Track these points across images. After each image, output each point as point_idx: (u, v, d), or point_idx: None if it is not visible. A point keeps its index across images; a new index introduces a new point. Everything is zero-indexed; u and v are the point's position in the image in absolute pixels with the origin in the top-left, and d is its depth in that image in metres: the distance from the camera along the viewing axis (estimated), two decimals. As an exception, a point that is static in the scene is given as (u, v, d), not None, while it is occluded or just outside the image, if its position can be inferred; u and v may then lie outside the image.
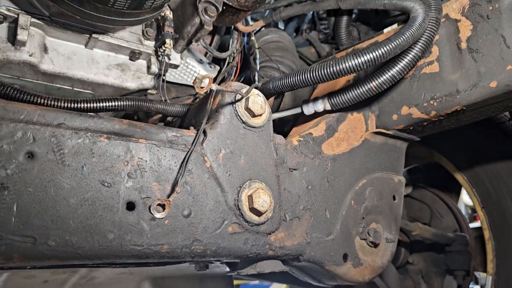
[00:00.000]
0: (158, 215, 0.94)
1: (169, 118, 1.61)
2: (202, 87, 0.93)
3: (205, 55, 1.89)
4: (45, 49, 1.24)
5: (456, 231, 2.34)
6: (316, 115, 1.44)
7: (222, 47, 1.95)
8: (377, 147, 1.47)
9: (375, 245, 1.38)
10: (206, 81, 0.93)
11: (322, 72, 1.17)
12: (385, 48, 1.13)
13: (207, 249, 1.01)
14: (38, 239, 0.82)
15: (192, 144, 1.04)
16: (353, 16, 2.01)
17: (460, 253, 2.23)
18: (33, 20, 1.18)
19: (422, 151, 2.28)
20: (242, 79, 1.94)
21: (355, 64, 1.14)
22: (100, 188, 0.90)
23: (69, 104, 1.12)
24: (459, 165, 2.12)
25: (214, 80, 1.73)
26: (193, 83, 0.94)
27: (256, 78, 1.71)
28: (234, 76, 1.83)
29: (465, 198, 6.13)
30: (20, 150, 0.83)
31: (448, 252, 2.27)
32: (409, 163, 2.46)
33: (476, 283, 5.90)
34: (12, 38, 1.17)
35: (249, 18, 1.81)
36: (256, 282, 7.50)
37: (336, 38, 1.94)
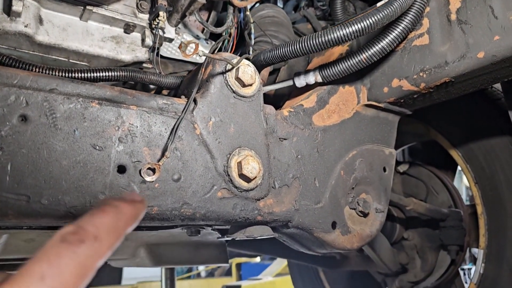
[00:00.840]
0: (148, 178, 0.98)
1: (164, 92, 1.64)
2: (188, 54, 0.95)
3: (202, 31, 1.90)
4: (40, 20, 1.27)
5: (451, 207, 2.38)
6: (308, 88, 1.46)
7: (220, 24, 1.96)
8: (368, 120, 1.49)
9: (364, 214, 1.41)
10: (193, 46, 0.95)
11: (312, 42, 1.19)
12: (373, 19, 1.15)
13: (196, 212, 1.05)
14: (32, 198, 0.85)
15: (183, 111, 1.07)
16: (350, -9, 2.01)
17: (454, 228, 2.27)
18: (28, -9, 1.21)
19: (419, 129, 2.30)
20: (239, 54, 1.95)
21: (344, 34, 1.16)
22: (92, 151, 0.93)
23: (64, 74, 1.15)
24: (454, 142, 2.14)
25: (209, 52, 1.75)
26: (178, 47, 0.97)
27: (251, 52, 1.72)
28: (230, 51, 1.84)
29: (466, 180, 6.16)
30: (13, 113, 0.87)
31: (442, 227, 2.31)
32: (407, 141, 2.49)
33: (474, 263, 5.96)
34: (8, 9, 1.19)
35: (244, -7, 1.82)
36: (257, 260, 7.62)
37: (332, 14, 1.95)
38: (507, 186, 1.91)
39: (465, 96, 1.47)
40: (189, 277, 8.89)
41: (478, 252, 2.06)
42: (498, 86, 1.95)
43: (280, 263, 5.62)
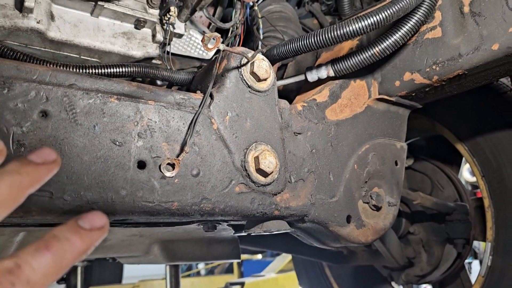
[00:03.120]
0: (168, 174, 0.97)
1: (174, 88, 1.63)
2: (210, 47, 0.95)
3: (208, 27, 1.90)
4: (52, 16, 1.25)
5: (457, 201, 2.38)
6: (319, 82, 1.46)
7: (225, 20, 1.95)
8: (379, 114, 1.49)
9: (378, 208, 1.41)
10: (215, 39, 0.95)
11: (326, 36, 1.18)
12: (389, 11, 1.15)
13: (215, 207, 1.04)
14: (54, 194, 0.85)
15: (200, 106, 1.06)
16: (356, -14, 2.01)
17: (460, 221, 2.27)
18: (40, -13, 1.20)
19: (425, 124, 2.30)
20: (246, 50, 1.95)
21: (359, 27, 1.16)
22: (112, 146, 0.93)
23: (77, 70, 1.14)
24: (460, 136, 2.14)
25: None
26: (201, 41, 0.96)
27: (260, 47, 1.72)
28: (238, 47, 1.84)
29: (465, 175, 6.19)
30: (34, 109, 0.86)
31: (448, 221, 2.31)
32: (411, 136, 2.49)
33: (475, 257, 6.00)
34: (20, 5, 1.18)
35: (252, -12, 1.81)
36: (259, 257, 7.63)
37: (338, 9, 1.94)
38: (514, 179, 1.92)
39: (471, 90, 1.47)
40: (189, 275, 8.89)
41: (486, 245, 2.07)
42: (504, 79, 1.96)
43: (283, 260, 5.63)
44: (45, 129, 0.86)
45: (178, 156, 1.00)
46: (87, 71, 1.14)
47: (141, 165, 0.96)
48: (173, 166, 0.98)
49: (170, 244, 1.59)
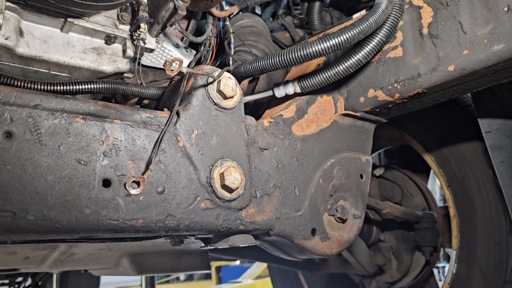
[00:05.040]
0: (133, 192, 1.00)
1: (145, 102, 1.65)
2: (172, 70, 0.97)
3: (182, 39, 1.92)
4: (20, 32, 1.26)
5: (425, 210, 2.46)
6: (287, 97, 1.50)
7: (199, 32, 1.98)
8: (345, 129, 1.54)
9: (343, 220, 1.46)
10: (177, 63, 0.98)
11: (291, 55, 1.23)
12: (349, 34, 1.20)
13: (180, 223, 1.07)
14: (17, 214, 0.86)
15: (166, 124, 1.09)
16: (327, 1, 2.06)
17: (428, 230, 2.34)
18: (8, 4, 1.20)
19: (394, 134, 2.37)
20: (218, 63, 1.98)
21: (321, 48, 1.20)
22: (77, 166, 0.95)
23: (45, 87, 1.15)
24: (427, 147, 2.21)
25: (190, 64, 1.77)
26: (163, 65, 0.99)
27: (231, 62, 1.75)
28: (210, 61, 1.87)
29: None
30: (-2, 130, 0.87)
31: (417, 229, 2.38)
32: (382, 145, 2.56)
33: (448, 261, 6.14)
34: (-12, 22, 1.19)
35: (224, 3, 1.85)
36: (237, 263, 7.64)
37: (309, 23, 1.99)
38: (477, 190, 1.99)
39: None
40: (168, 282, 8.84)
41: (451, 253, 2.14)
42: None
43: (260, 266, 5.66)
44: (9, 150, 0.88)
45: (143, 174, 1.03)
46: (55, 88, 1.15)
47: (106, 183, 0.98)
48: (138, 184, 1.01)
49: (139, 256, 1.61)
